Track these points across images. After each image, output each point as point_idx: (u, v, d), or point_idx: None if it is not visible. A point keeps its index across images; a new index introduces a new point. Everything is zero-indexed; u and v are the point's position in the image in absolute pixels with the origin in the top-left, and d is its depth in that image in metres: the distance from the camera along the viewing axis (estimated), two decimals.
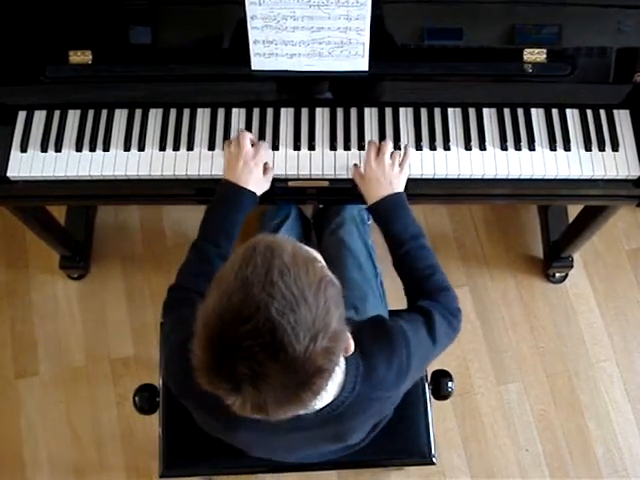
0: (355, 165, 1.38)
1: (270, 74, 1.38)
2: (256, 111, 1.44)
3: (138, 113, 1.44)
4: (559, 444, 1.92)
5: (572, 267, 2.04)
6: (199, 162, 1.41)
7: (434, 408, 1.48)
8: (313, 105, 1.44)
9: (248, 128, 1.43)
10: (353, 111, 1.44)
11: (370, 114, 1.44)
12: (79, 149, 1.42)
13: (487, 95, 1.44)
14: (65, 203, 1.94)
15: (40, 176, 1.40)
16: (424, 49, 1.40)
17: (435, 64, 1.41)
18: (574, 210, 1.90)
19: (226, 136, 1.42)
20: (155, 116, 1.44)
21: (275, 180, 1.40)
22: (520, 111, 1.45)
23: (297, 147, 1.41)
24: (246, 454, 1.27)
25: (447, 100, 1.44)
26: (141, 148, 1.42)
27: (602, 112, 1.45)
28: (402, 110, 1.44)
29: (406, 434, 1.43)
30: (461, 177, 1.41)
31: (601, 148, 1.42)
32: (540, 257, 2.10)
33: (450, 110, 1.44)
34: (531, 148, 1.42)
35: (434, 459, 1.44)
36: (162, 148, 1.42)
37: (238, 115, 1.44)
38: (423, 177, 1.41)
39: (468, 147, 1.42)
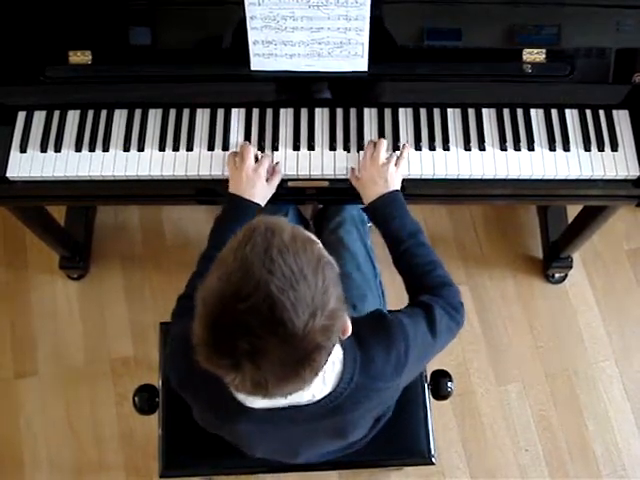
0: (352, 168, 1.39)
1: (269, 74, 1.38)
2: (255, 111, 1.44)
3: (138, 113, 1.44)
4: (558, 444, 1.92)
5: (571, 267, 2.05)
6: (198, 162, 1.41)
7: (434, 408, 1.48)
8: (312, 105, 1.44)
9: (247, 128, 1.43)
10: (352, 111, 1.44)
11: (369, 114, 1.44)
12: (79, 149, 1.42)
13: (486, 95, 1.44)
14: (65, 203, 1.94)
15: (40, 176, 1.41)
16: (423, 49, 1.40)
17: (434, 64, 1.41)
18: (574, 210, 1.90)
19: (226, 136, 1.42)
20: (155, 116, 1.44)
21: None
22: (519, 111, 1.45)
23: (296, 147, 1.41)
24: (245, 454, 1.27)
25: (446, 100, 1.44)
26: (141, 148, 1.42)
27: (601, 112, 1.45)
28: (401, 110, 1.44)
29: (405, 434, 1.43)
30: (460, 177, 1.41)
31: (600, 148, 1.42)
32: (539, 257, 2.11)
33: (449, 110, 1.44)
34: (530, 148, 1.42)
35: (434, 459, 1.44)
36: (161, 148, 1.42)
37: (237, 115, 1.44)
38: (422, 177, 1.41)
39: (467, 147, 1.42)
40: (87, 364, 1.98)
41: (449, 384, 1.42)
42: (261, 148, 1.42)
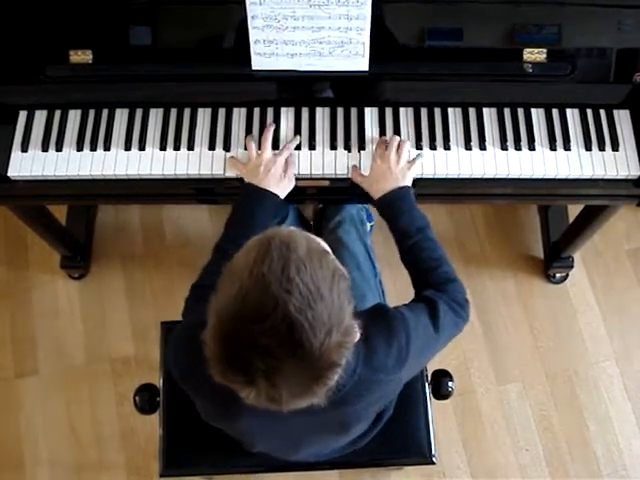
0: (354, 166, 1.38)
1: (271, 74, 1.38)
2: (257, 111, 1.45)
3: (139, 113, 1.44)
4: (559, 444, 1.92)
5: (572, 267, 2.05)
6: (199, 162, 1.41)
7: (434, 408, 1.48)
8: (313, 105, 1.44)
9: (249, 127, 1.43)
10: (353, 111, 1.44)
11: (370, 114, 1.44)
12: (80, 149, 1.42)
13: (487, 95, 1.44)
14: (66, 203, 1.95)
15: (41, 175, 1.41)
16: (424, 49, 1.40)
17: (435, 64, 1.41)
18: (574, 210, 1.90)
19: (227, 136, 1.42)
20: (156, 116, 1.44)
21: None
22: (520, 111, 1.45)
23: (297, 147, 1.41)
24: (246, 452, 1.28)
25: (447, 100, 1.44)
26: (142, 148, 1.42)
27: (602, 112, 1.45)
28: (402, 110, 1.45)
29: (406, 433, 1.43)
30: (461, 177, 1.41)
31: (601, 148, 1.42)
32: (540, 257, 2.11)
33: (450, 110, 1.45)
34: (531, 148, 1.42)
35: (434, 459, 1.44)
36: (163, 148, 1.42)
37: (239, 115, 1.44)
38: (423, 177, 1.41)
39: (468, 147, 1.42)
40: (88, 363, 1.98)
41: (450, 384, 1.42)
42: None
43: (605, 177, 1.41)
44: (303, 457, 1.31)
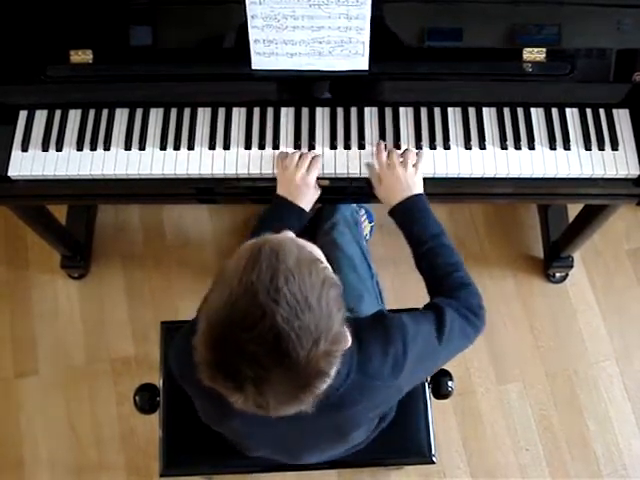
0: (368, 164, 1.38)
1: (270, 73, 1.38)
2: (256, 110, 1.45)
3: (139, 112, 1.45)
4: (559, 443, 1.92)
5: (572, 267, 2.05)
6: (200, 161, 1.41)
7: (434, 408, 1.48)
8: (313, 104, 1.45)
9: (248, 127, 1.43)
10: (353, 110, 1.44)
11: (370, 113, 1.44)
12: (80, 148, 1.42)
13: (487, 94, 1.44)
14: (66, 202, 1.95)
15: (41, 175, 1.41)
16: (424, 48, 1.40)
17: (435, 63, 1.41)
18: (574, 210, 1.90)
19: (227, 135, 1.42)
20: (156, 115, 1.45)
21: (275, 179, 1.40)
22: (520, 110, 1.45)
23: (297, 146, 1.42)
24: (244, 454, 1.28)
25: (447, 99, 1.45)
26: (142, 147, 1.42)
27: (602, 111, 1.45)
28: (402, 109, 1.45)
29: (406, 433, 1.43)
30: (461, 176, 1.41)
31: (601, 147, 1.42)
32: (540, 257, 2.11)
33: (450, 109, 1.45)
34: (531, 147, 1.42)
35: (434, 458, 1.44)
36: (163, 147, 1.42)
37: (239, 115, 1.44)
38: (423, 176, 1.41)
39: (468, 146, 1.42)
40: (87, 363, 1.98)
41: (449, 383, 1.42)
42: (262, 147, 1.42)
43: (605, 176, 1.41)
44: (303, 462, 1.30)
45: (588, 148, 1.42)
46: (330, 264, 0.91)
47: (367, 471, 1.86)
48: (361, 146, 1.41)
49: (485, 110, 1.45)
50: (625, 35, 1.40)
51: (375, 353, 1.03)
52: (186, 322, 1.54)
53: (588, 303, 2.07)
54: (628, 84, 1.42)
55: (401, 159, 1.34)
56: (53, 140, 1.42)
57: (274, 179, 1.40)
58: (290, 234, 0.95)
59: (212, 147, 1.42)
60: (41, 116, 1.44)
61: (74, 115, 1.45)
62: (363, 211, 1.98)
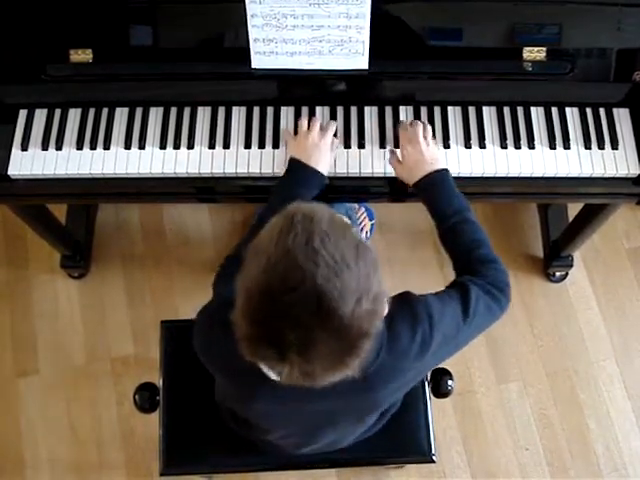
0: (392, 151, 1.38)
1: (270, 72, 1.38)
2: (256, 110, 1.45)
3: (139, 112, 1.45)
4: (559, 443, 1.92)
5: (572, 266, 2.05)
6: (199, 160, 1.41)
7: (434, 407, 1.48)
8: (313, 104, 1.45)
9: (248, 126, 1.43)
10: (353, 109, 1.44)
11: (370, 112, 1.44)
12: (80, 147, 1.42)
13: (487, 93, 1.45)
14: (66, 201, 1.95)
15: (41, 174, 1.41)
16: (424, 48, 1.40)
17: (435, 62, 1.41)
18: (574, 209, 1.90)
19: (227, 135, 1.42)
20: (156, 115, 1.45)
21: (276, 178, 1.40)
22: (520, 109, 1.45)
23: None
24: (245, 451, 1.28)
25: (447, 98, 1.45)
26: (142, 146, 1.42)
27: (602, 110, 1.45)
28: (402, 108, 1.45)
29: (406, 432, 1.43)
30: (461, 175, 1.41)
31: (601, 146, 1.42)
32: (540, 256, 2.11)
33: (450, 108, 1.45)
34: (531, 146, 1.42)
35: (434, 457, 1.44)
36: (162, 146, 1.42)
37: (238, 114, 1.45)
38: None
39: (468, 145, 1.42)
40: (88, 363, 1.98)
41: (449, 382, 1.43)
42: (262, 146, 1.42)
43: (604, 175, 1.42)
44: (315, 447, 1.29)
45: (588, 147, 1.42)
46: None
47: (367, 470, 1.86)
48: (361, 145, 1.41)
49: (485, 109, 1.45)
50: (625, 34, 1.40)
51: (403, 332, 1.02)
52: (186, 321, 1.55)
53: (588, 302, 2.07)
54: (628, 83, 1.42)
55: (422, 137, 1.33)
56: (53, 139, 1.42)
57: (274, 178, 1.40)
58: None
59: (212, 146, 1.42)
60: (41, 115, 1.44)
61: (74, 114, 1.45)
62: (363, 209, 1.99)
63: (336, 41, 1.33)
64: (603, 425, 1.94)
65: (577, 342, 2.02)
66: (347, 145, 1.42)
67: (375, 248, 1.54)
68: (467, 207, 1.26)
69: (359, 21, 1.30)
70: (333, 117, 1.44)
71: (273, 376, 0.96)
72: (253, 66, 1.37)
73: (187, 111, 1.45)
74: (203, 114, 1.45)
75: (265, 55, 1.36)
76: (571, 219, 1.93)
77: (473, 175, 1.42)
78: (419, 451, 1.44)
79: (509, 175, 1.42)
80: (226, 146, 1.42)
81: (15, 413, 1.93)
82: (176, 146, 1.42)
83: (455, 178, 1.41)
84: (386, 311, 0.90)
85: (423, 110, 1.45)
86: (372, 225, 2.03)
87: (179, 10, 1.39)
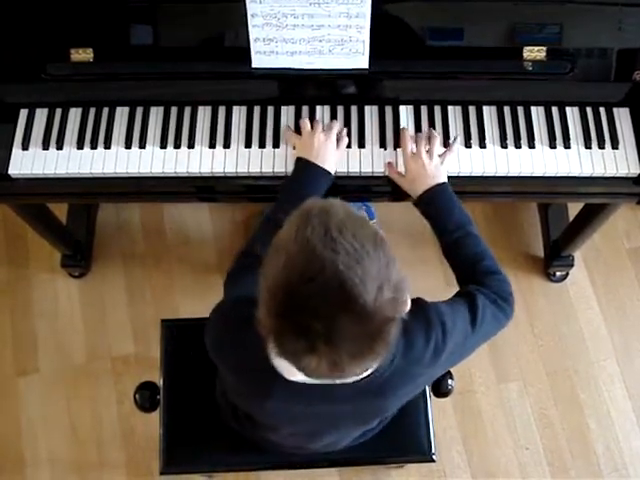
0: (390, 163, 1.39)
1: (271, 72, 1.38)
2: (257, 109, 1.45)
3: (139, 111, 1.45)
4: (559, 442, 1.92)
5: (572, 266, 2.05)
6: (200, 160, 1.41)
7: (434, 407, 1.48)
8: (313, 103, 1.45)
9: (249, 126, 1.43)
10: (353, 109, 1.44)
11: (370, 112, 1.44)
12: (80, 147, 1.42)
13: (487, 93, 1.44)
14: (66, 201, 1.95)
15: (41, 174, 1.41)
16: (424, 47, 1.40)
17: (435, 62, 1.41)
18: (574, 209, 1.90)
19: (227, 134, 1.42)
20: (156, 114, 1.45)
21: (276, 178, 1.41)
22: (520, 109, 1.45)
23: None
24: (245, 450, 1.28)
25: (447, 98, 1.45)
26: (142, 146, 1.42)
27: (602, 110, 1.45)
28: (402, 108, 1.45)
29: (406, 431, 1.43)
30: (461, 175, 1.41)
31: (601, 146, 1.42)
32: (540, 256, 2.11)
33: (450, 108, 1.45)
34: (531, 146, 1.42)
35: (434, 456, 1.44)
36: (163, 146, 1.42)
37: (239, 113, 1.45)
38: None
39: (468, 145, 1.42)
40: (88, 362, 1.98)
41: (450, 382, 1.43)
42: (262, 146, 1.42)
43: (605, 175, 1.41)
44: (316, 447, 1.30)
45: (588, 147, 1.42)
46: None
47: (368, 470, 1.86)
48: (361, 145, 1.41)
49: (485, 109, 1.45)
50: (625, 34, 1.40)
51: (418, 338, 1.02)
52: (187, 320, 1.56)
53: (588, 302, 2.07)
54: (628, 83, 1.42)
55: (427, 148, 1.35)
56: (53, 139, 1.43)
57: (274, 177, 1.40)
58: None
59: (212, 146, 1.42)
60: (42, 115, 1.44)
61: (74, 114, 1.45)
62: (364, 208, 1.99)
63: (336, 40, 1.33)
64: (603, 425, 1.94)
65: (577, 342, 2.02)
66: (347, 144, 1.41)
67: None
68: (469, 220, 1.28)
69: (359, 20, 1.30)
70: (333, 116, 1.44)
71: (291, 376, 0.96)
72: (253, 65, 1.37)
73: (188, 110, 1.45)
74: (204, 113, 1.45)
75: (265, 55, 1.36)
76: (571, 219, 1.93)
77: (473, 174, 1.42)
78: (419, 450, 1.44)
79: (509, 174, 1.42)
80: (226, 145, 1.42)
81: (15, 412, 1.93)
82: (177, 145, 1.42)
83: (455, 177, 1.42)
84: (409, 302, 0.90)
85: (423, 109, 1.45)
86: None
87: (179, 10, 1.39)
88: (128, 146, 1.42)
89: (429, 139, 1.38)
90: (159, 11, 1.39)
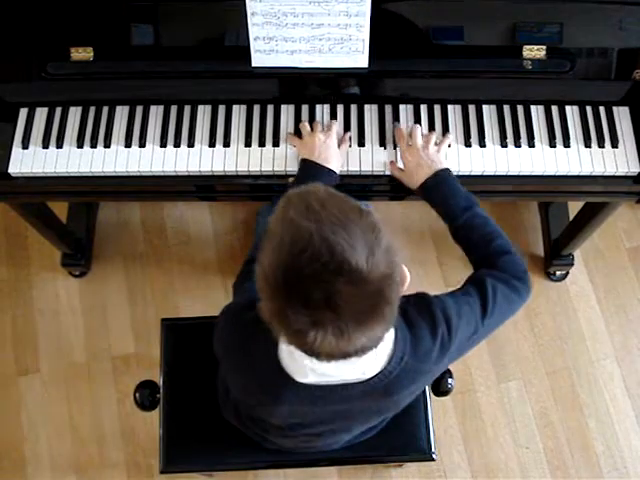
0: (391, 162, 1.39)
1: (270, 71, 1.39)
2: (256, 108, 1.45)
3: (139, 110, 1.45)
4: (559, 442, 1.92)
5: (573, 265, 2.05)
6: (200, 158, 1.41)
7: (434, 406, 1.48)
8: (313, 102, 1.45)
9: (249, 125, 1.43)
10: (353, 108, 1.45)
11: (370, 111, 1.44)
12: (80, 145, 1.42)
13: (487, 92, 1.44)
14: (66, 200, 1.95)
15: (41, 172, 1.41)
16: (423, 46, 1.40)
17: (435, 61, 1.41)
18: (574, 208, 1.90)
19: (227, 133, 1.42)
20: (156, 113, 1.45)
21: (275, 177, 1.41)
22: (520, 108, 1.45)
23: None
24: (245, 449, 1.28)
25: (447, 97, 1.45)
26: (142, 144, 1.42)
27: (602, 109, 1.45)
28: (402, 107, 1.45)
29: (406, 430, 1.43)
30: (461, 174, 1.41)
31: (600, 145, 1.42)
32: (541, 255, 2.11)
33: (450, 107, 1.45)
34: (531, 145, 1.42)
35: (434, 455, 1.44)
36: (163, 145, 1.42)
37: (239, 112, 1.45)
38: None
39: (468, 144, 1.42)
40: (88, 361, 1.98)
41: (449, 380, 1.42)
42: (262, 145, 1.42)
43: (604, 174, 1.41)
44: (317, 446, 1.30)
45: (588, 146, 1.42)
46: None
47: (368, 468, 1.86)
48: (361, 143, 1.42)
49: (485, 107, 1.45)
50: (626, 33, 1.40)
51: (425, 336, 1.02)
52: (187, 319, 1.56)
53: (588, 301, 2.07)
54: (628, 82, 1.42)
55: (421, 142, 1.36)
56: (53, 137, 1.43)
57: (274, 176, 1.40)
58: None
59: (212, 144, 1.42)
60: (41, 113, 1.44)
61: (74, 112, 1.45)
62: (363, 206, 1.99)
63: (336, 39, 1.33)
64: (603, 424, 1.94)
65: (577, 341, 2.02)
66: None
67: None
68: (474, 202, 1.27)
69: (359, 19, 1.30)
70: (333, 115, 1.44)
71: (302, 378, 0.97)
72: (253, 64, 1.38)
73: (187, 109, 1.45)
74: (203, 112, 1.45)
75: (265, 53, 1.36)
76: (571, 218, 1.93)
77: (473, 174, 1.42)
78: (419, 449, 1.44)
79: (509, 174, 1.42)
80: (226, 144, 1.42)
81: (16, 411, 1.93)
82: (176, 144, 1.42)
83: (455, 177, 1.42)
84: (407, 278, 0.90)
85: (423, 108, 1.45)
86: None
87: (179, 9, 1.39)
88: (128, 145, 1.42)
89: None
90: (159, 10, 1.39)
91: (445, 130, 1.43)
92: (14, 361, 1.98)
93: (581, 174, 1.41)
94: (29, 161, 1.41)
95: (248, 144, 1.42)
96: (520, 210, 2.17)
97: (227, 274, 2.06)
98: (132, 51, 1.42)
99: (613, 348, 2.01)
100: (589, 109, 1.45)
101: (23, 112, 1.44)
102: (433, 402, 1.47)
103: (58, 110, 1.45)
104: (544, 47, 1.40)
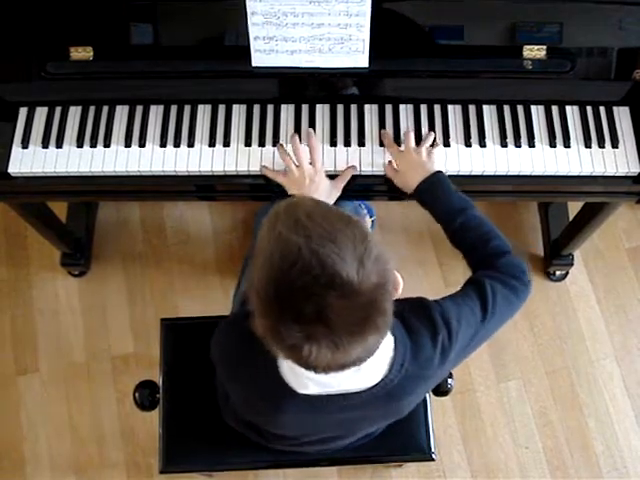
0: (389, 163, 1.39)
1: (270, 70, 1.38)
2: (256, 108, 1.45)
3: (139, 109, 1.45)
4: (559, 441, 1.92)
5: (572, 265, 2.05)
6: (199, 158, 1.41)
7: (434, 406, 1.48)
8: (313, 102, 1.45)
9: (248, 124, 1.43)
10: (353, 107, 1.44)
11: (370, 110, 1.44)
12: (80, 145, 1.42)
13: (487, 92, 1.44)
14: (66, 199, 1.95)
15: (41, 172, 1.41)
16: (424, 46, 1.40)
17: (435, 61, 1.41)
18: (574, 208, 1.90)
19: (227, 133, 1.42)
20: (156, 112, 1.45)
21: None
22: (520, 108, 1.45)
23: None
24: (245, 448, 1.27)
25: (447, 97, 1.44)
26: (142, 144, 1.42)
27: (602, 109, 1.45)
28: (402, 107, 1.45)
29: (405, 430, 1.43)
30: (461, 173, 1.41)
31: (601, 145, 1.42)
32: (540, 255, 2.11)
33: (450, 107, 1.45)
34: (531, 145, 1.42)
35: (433, 455, 1.44)
36: (163, 144, 1.42)
37: (239, 112, 1.44)
38: None
39: (468, 144, 1.42)
40: (88, 361, 1.98)
41: (449, 380, 1.42)
42: (262, 144, 1.42)
43: (605, 174, 1.41)
44: (326, 447, 1.29)
45: (588, 146, 1.42)
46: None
47: (367, 468, 1.86)
48: (361, 143, 1.41)
49: (485, 107, 1.45)
50: (626, 33, 1.40)
51: (425, 341, 1.02)
52: (187, 319, 1.56)
53: (588, 301, 2.07)
54: (628, 82, 1.42)
55: (413, 145, 1.36)
56: (53, 137, 1.42)
57: None
58: None
59: (212, 144, 1.42)
60: (41, 113, 1.44)
61: (74, 112, 1.45)
62: (363, 206, 1.99)
63: (336, 39, 1.33)
64: (603, 424, 1.94)
65: (577, 341, 2.02)
66: (347, 143, 1.41)
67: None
68: (469, 204, 1.26)
69: (359, 19, 1.30)
70: (333, 115, 1.44)
71: (302, 389, 0.96)
72: (253, 64, 1.37)
73: (187, 109, 1.45)
74: (203, 112, 1.45)
75: (265, 53, 1.36)
76: (571, 218, 1.93)
77: (473, 174, 1.42)
78: (419, 449, 1.44)
79: (509, 174, 1.42)
80: (226, 144, 1.42)
81: (15, 411, 1.93)
82: (176, 144, 1.42)
83: (455, 177, 1.41)
84: (400, 284, 0.90)
85: (423, 108, 1.45)
86: (373, 222, 2.04)
87: (179, 8, 1.39)
88: (128, 145, 1.42)
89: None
90: (159, 10, 1.39)
91: (445, 130, 1.43)
92: (13, 361, 1.98)
93: (581, 174, 1.41)
94: (29, 161, 1.41)
95: (248, 144, 1.42)
96: (520, 210, 2.17)
97: (226, 274, 2.06)
98: (132, 51, 1.42)
99: (613, 348, 2.01)
100: (589, 109, 1.45)
101: (23, 112, 1.44)
102: (433, 402, 1.47)
103: (58, 110, 1.45)
104: (544, 47, 1.39)
